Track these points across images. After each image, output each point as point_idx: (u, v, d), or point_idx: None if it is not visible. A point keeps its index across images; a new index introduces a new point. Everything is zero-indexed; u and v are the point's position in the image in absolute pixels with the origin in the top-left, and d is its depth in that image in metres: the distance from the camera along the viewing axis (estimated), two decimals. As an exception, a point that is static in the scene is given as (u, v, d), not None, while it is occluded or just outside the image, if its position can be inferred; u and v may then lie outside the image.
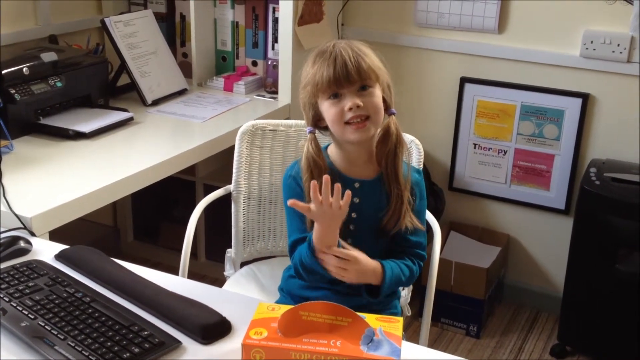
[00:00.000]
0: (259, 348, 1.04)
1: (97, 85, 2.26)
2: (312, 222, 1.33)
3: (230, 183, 1.82)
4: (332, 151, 1.45)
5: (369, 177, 1.42)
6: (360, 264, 1.33)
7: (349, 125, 1.35)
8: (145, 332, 1.13)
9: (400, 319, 1.13)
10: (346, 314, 1.09)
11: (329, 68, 1.32)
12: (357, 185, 1.41)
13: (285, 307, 1.11)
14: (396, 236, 1.43)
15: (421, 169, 1.60)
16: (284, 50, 2.39)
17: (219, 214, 2.15)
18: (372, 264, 1.35)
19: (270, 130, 1.81)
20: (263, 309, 1.12)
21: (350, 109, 1.32)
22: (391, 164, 1.40)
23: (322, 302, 1.11)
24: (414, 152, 1.67)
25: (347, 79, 1.32)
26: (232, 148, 1.83)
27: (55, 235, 1.59)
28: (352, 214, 1.41)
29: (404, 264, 1.42)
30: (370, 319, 1.10)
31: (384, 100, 1.39)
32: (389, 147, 1.40)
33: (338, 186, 1.26)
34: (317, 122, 1.42)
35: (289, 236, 1.45)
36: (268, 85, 2.55)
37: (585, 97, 2.43)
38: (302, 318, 1.08)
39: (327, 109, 1.36)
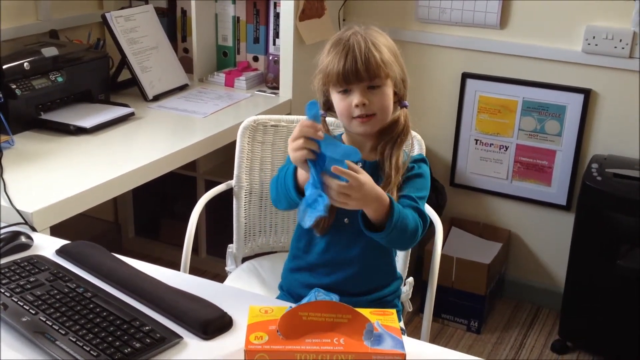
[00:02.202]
0: (263, 353, 1.03)
1: (98, 80, 2.26)
2: None
3: (231, 178, 1.82)
4: (343, 136, 1.48)
5: (370, 159, 1.44)
6: (364, 189, 1.23)
7: (355, 119, 1.37)
8: (147, 327, 1.13)
9: (394, 311, 1.13)
10: (345, 310, 1.08)
11: (339, 63, 1.33)
12: (359, 165, 1.42)
13: (278, 308, 1.11)
14: None
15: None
16: (285, 46, 2.38)
17: (220, 209, 2.15)
18: (378, 190, 1.26)
19: (271, 126, 1.81)
20: (256, 312, 1.11)
21: (357, 106, 1.35)
22: (389, 150, 1.41)
23: (320, 301, 1.10)
24: (416, 148, 1.66)
25: (355, 76, 1.33)
26: (233, 143, 1.83)
27: (56, 230, 1.59)
28: None
29: (407, 210, 1.35)
30: (364, 313, 1.09)
31: (396, 94, 1.40)
32: (392, 135, 1.41)
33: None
34: (329, 108, 1.44)
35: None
36: (269, 81, 2.55)
37: (587, 93, 2.43)
38: (302, 318, 1.07)
39: (337, 102, 1.39)
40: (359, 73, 1.33)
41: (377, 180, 1.43)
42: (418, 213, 1.37)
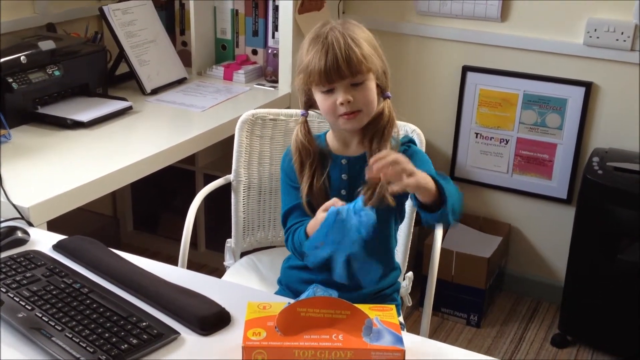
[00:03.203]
0: (261, 349, 1.02)
1: (95, 74, 2.24)
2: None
3: (230, 173, 1.81)
4: (329, 133, 1.48)
5: (356, 154, 1.44)
6: (402, 159, 1.21)
7: (341, 116, 1.37)
8: (144, 323, 1.12)
9: (393, 307, 1.12)
10: (344, 306, 1.08)
11: (320, 62, 1.32)
12: (344, 162, 1.44)
13: (276, 304, 1.10)
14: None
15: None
16: (284, 39, 2.37)
17: (219, 203, 2.14)
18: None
19: (270, 120, 1.80)
20: (254, 309, 1.10)
21: (342, 104, 1.34)
22: (377, 143, 1.41)
23: (319, 297, 1.10)
24: (416, 142, 1.65)
25: (337, 74, 1.32)
26: (231, 137, 1.81)
27: (54, 225, 1.58)
28: (342, 191, 1.44)
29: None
30: (363, 309, 1.08)
31: (378, 86, 1.40)
32: (378, 127, 1.41)
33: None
34: (311, 106, 1.44)
35: (283, 207, 1.48)
36: (268, 74, 2.53)
37: (588, 86, 2.41)
38: (300, 315, 1.06)
39: (320, 101, 1.39)
40: (341, 71, 1.32)
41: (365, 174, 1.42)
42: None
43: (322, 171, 1.43)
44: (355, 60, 1.32)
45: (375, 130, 1.40)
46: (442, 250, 2.26)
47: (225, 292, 1.26)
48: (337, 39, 1.32)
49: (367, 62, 1.33)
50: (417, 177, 1.22)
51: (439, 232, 1.67)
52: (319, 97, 1.38)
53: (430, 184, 1.25)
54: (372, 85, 1.37)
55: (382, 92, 1.42)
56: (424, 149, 1.65)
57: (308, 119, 1.46)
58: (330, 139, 1.47)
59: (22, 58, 2.00)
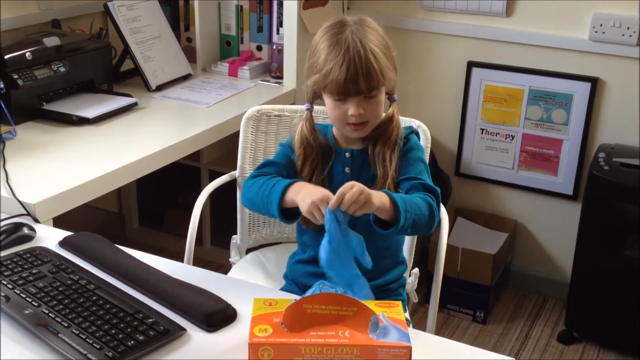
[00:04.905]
0: (267, 346, 1.02)
1: (100, 70, 2.24)
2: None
3: (235, 169, 1.81)
4: (334, 129, 1.48)
5: (358, 147, 1.44)
6: (361, 187, 1.22)
7: (348, 124, 1.38)
8: (150, 320, 1.12)
9: (399, 303, 1.12)
10: (350, 303, 1.07)
11: (340, 75, 1.31)
12: (347, 154, 1.44)
13: (282, 300, 1.10)
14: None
15: (427, 154, 1.58)
16: (289, 35, 2.36)
17: (225, 200, 2.14)
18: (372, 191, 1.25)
19: (275, 116, 1.79)
20: (260, 305, 1.10)
21: (353, 116, 1.35)
22: (380, 145, 1.41)
23: (325, 294, 1.09)
24: (421, 138, 1.65)
25: (355, 90, 1.33)
26: (237, 134, 1.81)
27: (59, 221, 1.58)
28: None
29: (413, 195, 1.35)
30: (369, 305, 1.08)
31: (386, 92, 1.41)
32: (385, 131, 1.41)
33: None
34: (318, 98, 1.44)
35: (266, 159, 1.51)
36: (273, 70, 2.53)
37: (594, 81, 2.40)
38: (306, 311, 1.06)
39: (330, 107, 1.39)
40: (359, 87, 1.32)
41: (368, 165, 1.43)
42: (426, 189, 1.36)
43: (323, 166, 1.43)
44: (374, 77, 1.32)
45: (382, 134, 1.41)
46: (448, 246, 2.25)
47: (231, 288, 1.26)
48: (358, 52, 1.31)
49: (384, 79, 1.34)
50: (373, 203, 1.23)
51: (444, 228, 1.66)
52: (328, 102, 1.38)
53: (385, 204, 1.26)
54: (382, 97, 1.38)
55: (389, 96, 1.42)
56: (429, 145, 1.65)
57: (313, 113, 1.46)
58: (336, 131, 1.47)
59: (27, 54, 2.00)
